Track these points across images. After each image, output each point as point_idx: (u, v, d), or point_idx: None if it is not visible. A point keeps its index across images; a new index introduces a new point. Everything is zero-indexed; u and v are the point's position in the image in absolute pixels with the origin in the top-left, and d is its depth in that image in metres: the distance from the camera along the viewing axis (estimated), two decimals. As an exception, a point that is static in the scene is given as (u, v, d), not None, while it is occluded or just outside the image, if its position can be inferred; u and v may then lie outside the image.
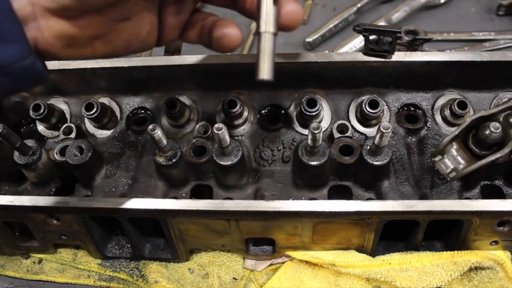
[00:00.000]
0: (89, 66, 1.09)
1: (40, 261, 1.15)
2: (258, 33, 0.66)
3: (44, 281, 1.12)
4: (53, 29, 0.62)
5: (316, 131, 0.88)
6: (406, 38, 1.22)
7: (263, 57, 0.65)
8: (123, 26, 0.68)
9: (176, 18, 0.76)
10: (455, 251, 0.96)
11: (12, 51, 0.59)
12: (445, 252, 0.96)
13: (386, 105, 1.09)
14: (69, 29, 0.63)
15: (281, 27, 0.69)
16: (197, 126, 1.09)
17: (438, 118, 1.07)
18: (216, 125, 0.89)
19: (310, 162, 0.96)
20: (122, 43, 0.70)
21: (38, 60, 0.63)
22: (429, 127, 1.07)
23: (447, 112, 1.05)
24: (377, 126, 0.96)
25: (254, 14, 0.70)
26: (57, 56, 0.65)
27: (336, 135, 1.04)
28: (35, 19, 0.60)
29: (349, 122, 1.07)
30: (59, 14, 0.61)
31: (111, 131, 1.14)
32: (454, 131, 0.91)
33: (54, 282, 1.12)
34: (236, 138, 1.08)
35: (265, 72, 0.65)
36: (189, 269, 1.10)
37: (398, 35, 0.89)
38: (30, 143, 1.03)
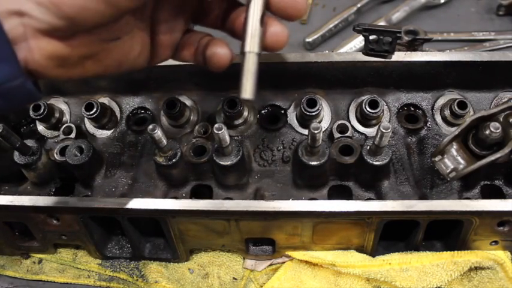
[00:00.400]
0: (89, 66, 1.09)
1: (40, 261, 1.15)
2: (242, 53, 0.68)
3: (44, 281, 1.12)
4: (44, 49, 0.62)
5: (316, 131, 0.88)
6: (406, 38, 1.22)
7: (246, 77, 0.66)
8: (114, 46, 0.68)
9: (168, 38, 0.76)
10: (455, 251, 0.96)
11: (2, 72, 0.59)
12: (445, 252, 0.97)
13: (386, 105, 1.09)
14: (60, 50, 0.63)
15: (265, 47, 0.71)
16: (197, 126, 1.09)
17: (438, 118, 1.07)
18: (216, 125, 0.89)
19: (310, 162, 0.96)
20: (112, 62, 0.70)
21: (29, 80, 0.63)
22: (429, 127, 1.07)
23: (447, 112, 1.05)
24: (377, 126, 0.96)
25: (239, 35, 0.71)
26: (48, 76, 0.65)
27: (336, 135, 1.04)
28: (26, 40, 0.60)
29: (349, 122, 1.07)
30: (49, 34, 0.61)
31: (111, 131, 1.14)
32: (454, 131, 0.91)
33: (54, 282, 1.12)
34: (236, 138, 1.08)
35: (247, 91, 0.66)
36: (189, 269, 1.10)
37: (398, 35, 0.89)
38: (30, 143, 1.03)
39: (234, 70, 1.07)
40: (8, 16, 0.58)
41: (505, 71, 1.03)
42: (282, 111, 1.11)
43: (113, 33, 0.67)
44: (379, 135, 0.90)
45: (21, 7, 0.58)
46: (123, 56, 0.71)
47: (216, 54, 0.74)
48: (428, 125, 1.08)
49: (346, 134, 1.04)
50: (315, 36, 1.54)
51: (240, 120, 1.09)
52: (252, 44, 0.67)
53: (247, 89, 0.66)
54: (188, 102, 1.12)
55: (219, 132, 0.89)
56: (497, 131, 0.87)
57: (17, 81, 0.61)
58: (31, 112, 1.09)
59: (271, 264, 1.07)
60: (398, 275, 0.96)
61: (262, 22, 0.68)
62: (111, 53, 0.69)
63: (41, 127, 1.16)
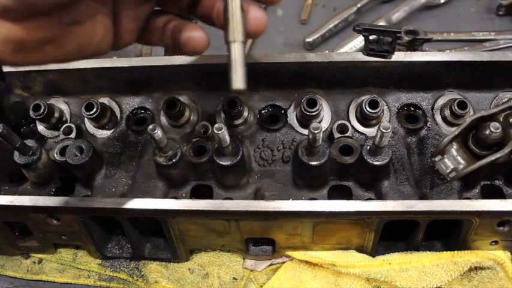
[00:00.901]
0: (89, 66, 1.09)
1: (40, 261, 1.15)
2: (227, 43, 0.66)
3: (44, 281, 1.12)
4: None
5: (316, 131, 0.88)
6: (406, 38, 1.22)
7: (235, 67, 0.65)
8: (75, 30, 0.66)
9: (132, 22, 0.74)
10: (455, 251, 0.96)
11: None
12: (445, 252, 0.96)
13: (386, 105, 1.09)
14: (15, 33, 0.60)
15: (247, 33, 0.68)
16: (197, 126, 1.09)
17: (438, 118, 1.07)
18: (216, 125, 0.89)
19: (310, 162, 0.96)
20: (74, 47, 0.67)
21: None
22: (429, 127, 1.07)
23: (447, 112, 1.05)
24: (377, 126, 0.96)
25: (215, 21, 0.70)
26: (5, 63, 0.63)
27: (336, 135, 1.04)
28: None
29: (349, 122, 1.07)
30: (2, 16, 0.59)
31: (111, 131, 1.14)
32: (454, 131, 0.91)
33: (54, 282, 1.12)
34: (236, 138, 1.08)
35: (238, 82, 0.64)
36: (189, 269, 1.10)
37: (398, 35, 0.89)
38: (30, 143, 1.03)
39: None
40: None
41: (505, 71, 1.03)
42: (282, 111, 1.11)
43: (73, 17, 0.65)
44: (379, 135, 0.90)
45: None
46: (85, 41, 0.68)
47: (192, 39, 0.72)
48: (428, 125, 1.08)
49: (346, 134, 1.04)
50: (315, 36, 1.53)
51: (240, 120, 1.09)
52: (236, 32, 0.65)
53: (238, 79, 0.64)
54: (188, 102, 1.12)
55: (219, 132, 0.89)
56: (497, 131, 0.87)
57: None
58: (31, 112, 1.09)
59: (271, 264, 1.07)
60: (398, 275, 0.96)
61: (242, 9, 0.66)
62: (72, 37, 0.66)
63: (41, 127, 1.16)
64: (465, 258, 0.95)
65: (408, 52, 1.04)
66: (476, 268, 0.98)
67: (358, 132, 1.07)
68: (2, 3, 0.57)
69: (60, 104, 1.17)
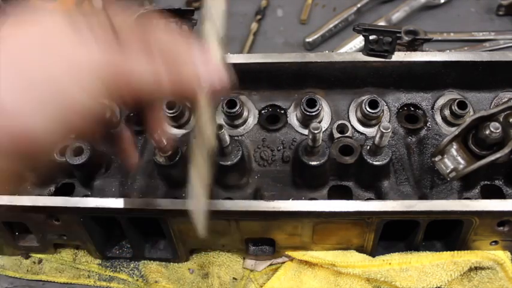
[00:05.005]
0: (89, 66, 1.09)
1: (40, 261, 1.15)
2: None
3: (44, 281, 1.12)
4: None
5: (316, 131, 0.88)
6: (406, 38, 1.22)
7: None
8: None
9: None
10: (455, 251, 0.96)
11: None
12: (445, 252, 0.97)
13: (386, 105, 1.09)
14: None
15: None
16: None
17: (438, 118, 1.07)
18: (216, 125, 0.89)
19: (310, 162, 0.96)
20: None
21: None
22: (429, 127, 1.07)
23: (447, 112, 1.05)
24: (377, 126, 0.96)
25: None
26: None
27: (336, 135, 1.04)
28: None
29: (349, 122, 1.07)
30: None
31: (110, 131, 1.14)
32: (454, 131, 0.91)
33: (54, 282, 1.12)
34: (236, 138, 1.08)
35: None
36: (189, 269, 1.09)
37: (398, 35, 0.89)
38: (30, 143, 1.03)
39: (234, 70, 1.08)
40: None
41: (505, 71, 1.03)
42: (282, 111, 1.11)
43: None
44: (379, 135, 0.90)
45: None
46: None
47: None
48: (428, 125, 1.07)
49: (346, 134, 1.04)
50: (315, 36, 1.53)
51: (240, 120, 1.09)
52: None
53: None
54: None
55: (219, 132, 0.89)
56: (497, 131, 0.87)
57: None
58: (31, 112, 1.09)
59: (271, 264, 1.07)
60: (398, 275, 0.96)
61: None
62: None
63: (41, 127, 1.16)
64: (465, 258, 0.95)
65: (408, 52, 1.04)
66: (476, 268, 0.98)
67: (358, 132, 1.07)
68: None
69: (60, 104, 1.17)
